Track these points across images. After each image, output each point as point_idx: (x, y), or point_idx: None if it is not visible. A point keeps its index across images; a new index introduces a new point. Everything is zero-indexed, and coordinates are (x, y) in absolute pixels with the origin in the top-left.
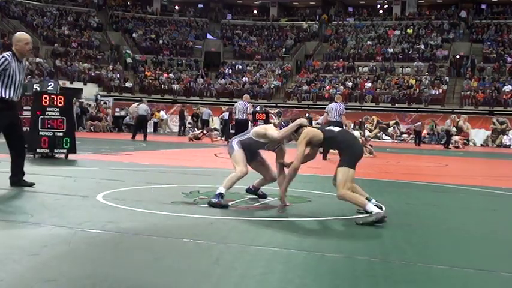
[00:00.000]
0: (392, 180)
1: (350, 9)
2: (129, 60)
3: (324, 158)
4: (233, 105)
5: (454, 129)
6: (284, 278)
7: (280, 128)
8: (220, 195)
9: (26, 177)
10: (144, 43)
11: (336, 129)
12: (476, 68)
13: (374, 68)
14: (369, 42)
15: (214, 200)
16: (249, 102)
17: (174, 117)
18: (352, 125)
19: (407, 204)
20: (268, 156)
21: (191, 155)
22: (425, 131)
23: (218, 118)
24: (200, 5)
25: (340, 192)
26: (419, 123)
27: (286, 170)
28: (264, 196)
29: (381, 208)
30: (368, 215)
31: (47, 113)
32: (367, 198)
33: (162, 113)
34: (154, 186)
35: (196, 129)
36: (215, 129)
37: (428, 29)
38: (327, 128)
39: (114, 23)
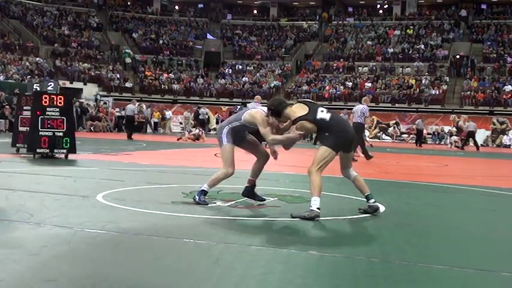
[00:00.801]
0: (392, 180)
1: (350, 9)
2: (128, 60)
3: (315, 143)
4: (233, 105)
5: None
6: (284, 278)
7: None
8: (203, 192)
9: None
10: (144, 43)
11: (328, 116)
12: (476, 68)
13: (374, 68)
14: (369, 42)
15: (196, 197)
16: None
17: (174, 117)
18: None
19: (407, 204)
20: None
21: (191, 155)
22: (425, 131)
23: (214, 118)
24: (200, 5)
25: (312, 169)
26: (420, 120)
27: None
28: (262, 200)
29: (377, 209)
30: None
31: (47, 113)
32: (367, 196)
33: (169, 112)
34: (154, 186)
35: (194, 128)
36: (215, 130)
37: (428, 29)
38: (318, 117)
39: (114, 23)
